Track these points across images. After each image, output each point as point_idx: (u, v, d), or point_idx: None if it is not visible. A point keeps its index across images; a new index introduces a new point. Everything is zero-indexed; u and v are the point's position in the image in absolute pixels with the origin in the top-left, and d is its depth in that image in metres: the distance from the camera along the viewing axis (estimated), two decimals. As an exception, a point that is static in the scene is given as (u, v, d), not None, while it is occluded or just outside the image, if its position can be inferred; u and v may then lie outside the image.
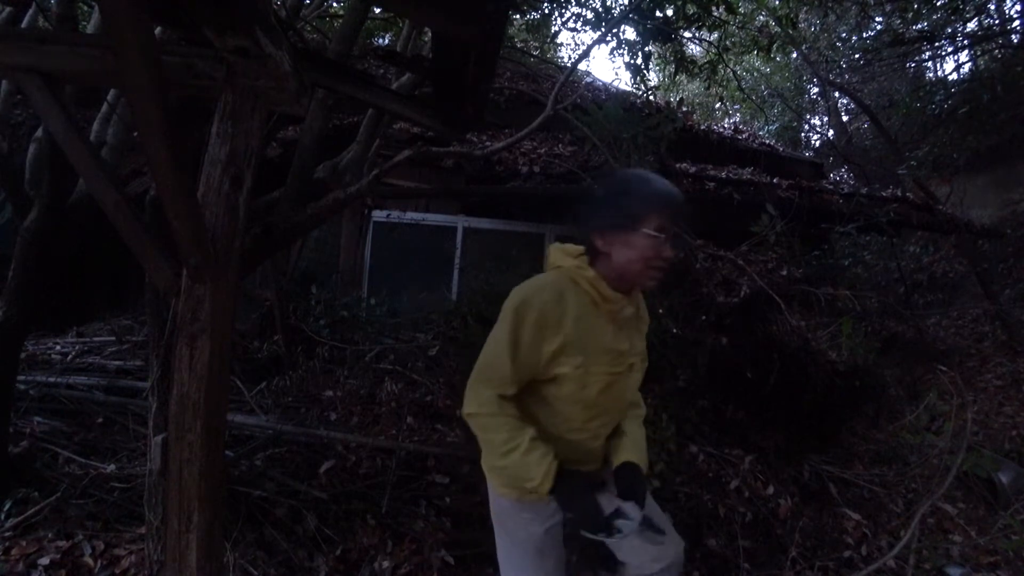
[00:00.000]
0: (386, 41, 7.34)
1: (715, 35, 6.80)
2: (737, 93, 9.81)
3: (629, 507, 1.38)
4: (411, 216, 5.72)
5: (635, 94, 7.37)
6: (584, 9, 5.81)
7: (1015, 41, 8.89)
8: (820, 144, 13.86)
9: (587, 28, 6.11)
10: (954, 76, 10.43)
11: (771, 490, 3.17)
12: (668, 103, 7.95)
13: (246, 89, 1.48)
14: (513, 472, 1.37)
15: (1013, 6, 9.54)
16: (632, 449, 1.51)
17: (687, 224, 4.17)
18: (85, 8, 4.17)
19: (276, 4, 3.18)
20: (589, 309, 1.39)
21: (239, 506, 2.56)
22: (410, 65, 2.63)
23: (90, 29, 2.80)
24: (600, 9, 5.67)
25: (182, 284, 1.50)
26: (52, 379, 3.49)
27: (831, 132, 13.33)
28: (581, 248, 1.44)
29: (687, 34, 6.78)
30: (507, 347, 1.34)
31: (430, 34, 2.56)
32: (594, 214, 1.40)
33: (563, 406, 1.43)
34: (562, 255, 1.45)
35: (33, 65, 1.49)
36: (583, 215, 1.44)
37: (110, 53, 1.44)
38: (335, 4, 6.47)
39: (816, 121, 14.50)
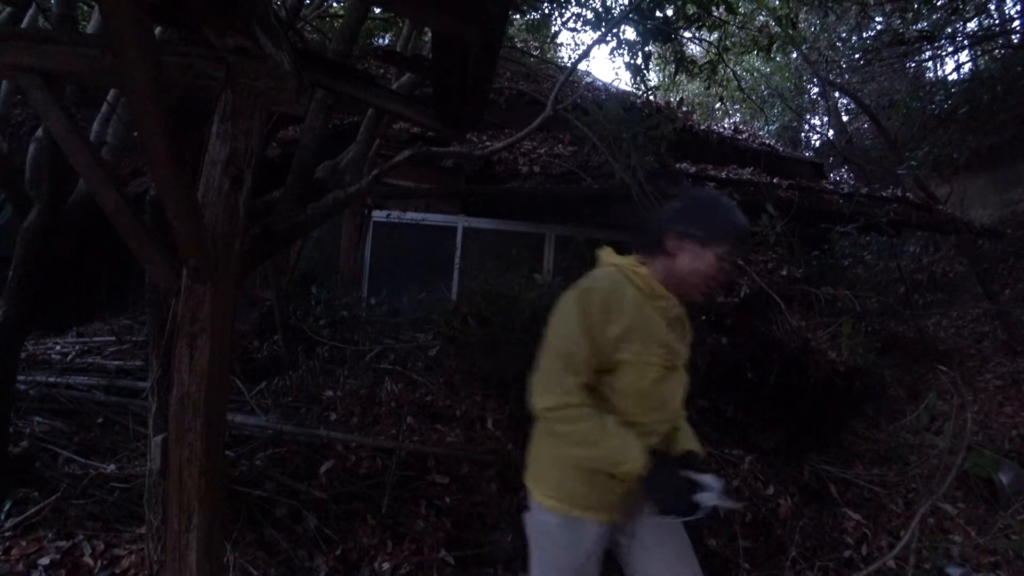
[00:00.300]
0: (386, 41, 7.34)
1: (715, 35, 6.80)
2: (737, 93, 9.81)
3: (708, 478, 1.41)
4: (411, 216, 5.72)
5: (635, 94, 7.37)
6: (584, 9, 5.81)
7: (1015, 41, 8.89)
8: (820, 144, 13.85)
9: (587, 28, 6.11)
10: (954, 76, 10.44)
11: (771, 490, 3.17)
12: (668, 103, 7.95)
13: (246, 89, 1.48)
14: (607, 458, 1.36)
15: (1013, 6, 9.55)
16: (690, 440, 1.61)
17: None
18: (85, 8, 4.17)
19: (276, 4, 3.18)
20: (643, 302, 1.46)
21: (239, 506, 2.56)
22: (410, 65, 2.63)
23: (90, 29, 2.79)
24: (600, 9, 5.68)
25: (182, 284, 1.50)
26: (52, 379, 3.49)
27: (831, 132, 13.32)
28: (631, 257, 1.53)
29: (687, 34, 6.78)
30: (580, 331, 1.37)
31: (430, 34, 2.56)
32: (678, 218, 1.49)
33: (621, 399, 1.44)
34: (614, 255, 1.55)
35: (33, 65, 1.49)
36: (663, 213, 1.54)
37: (110, 53, 1.44)
38: (335, 4, 6.47)
39: (816, 121, 14.49)
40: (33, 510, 2.37)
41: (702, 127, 8.13)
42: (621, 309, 1.40)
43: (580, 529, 1.47)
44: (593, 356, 1.39)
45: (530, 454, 1.59)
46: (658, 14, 4.96)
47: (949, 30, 8.61)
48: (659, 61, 7.74)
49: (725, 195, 1.57)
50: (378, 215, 5.61)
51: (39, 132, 2.61)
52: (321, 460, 3.03)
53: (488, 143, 5.56)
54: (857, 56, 10.34)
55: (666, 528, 1.53)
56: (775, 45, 6.67)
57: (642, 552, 1.53)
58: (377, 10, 4.71)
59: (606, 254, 1.57)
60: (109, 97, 2.72)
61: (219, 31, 1.40)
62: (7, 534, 2.26)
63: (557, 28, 6.96)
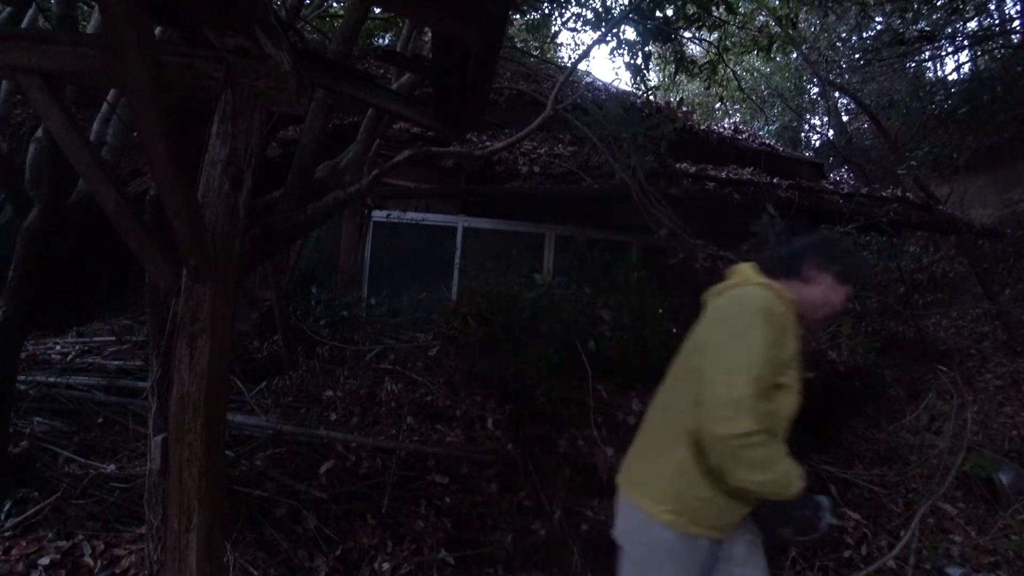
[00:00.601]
0: (386, 41, 7.34)
1: (715, 35, 6.80)
2: (737, 93, 9.82)
3: (822, 499, 1.44)
4: (411, 216, 5.71)
5: (635, 94, 7.37)
6: (584, 9, 5.82)
7: (1015, 41, 8.88)
8: (820, 144, 13.83)
9: (587, 28, 6.12)
10: (954, 76, 10.43)
11: (771, 490, 3.16)
12: (668, 103, 7.95)
13: (246, 89, 1.48)
14: (778, 482, 1.35)
15: (1013, 6, 9.53)
16: None
17: (687, 224, 4.17)
18: (85, 8, 4.17)
19: (276, 4, 3.18)
20: (791, 327, 1.48)
21: (239, 506, 2.56)
22: (410, 65, 2.63)
23: (90, 29, 2.79)
24: (600, 9, 5.68)
25: (182, 284, 1.50)
26: (52, 379, 3.49)
27: (831, 132, 13.31)
28: (777, 282, 1.54)
29: (687, 34, 6.79)
30: (767, 354, 1.36)
31: (430, 34, 2.56)
32: (822, 250, 1.58)
33: (775, 422, 1.43)
34: (758, 274, 1.56)
35: (33, 65, 1.49)
36: (806, 241, 1.63)
37: (110, 53, 1.44)
38: (335, 4, 6.47)
39: (816, 121, 14.48)
40: (33, 510, 2.37)
41: (702, 127, 8.13)
42: (788, 333, 1.44)
43: (695, 545, 1.46)
44: (769, 378, 1.39)
45: (641, 465, 1.57)
46: (658, 14, 4.97)
47: (949, 30, 8.60)
48: (659, 61, 7.74)
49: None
50: (378, 215, 5.61)
51: (39, 132, 2.61)
52: (321, 460, 3.03)
53: (488, 143, 5.56)
54: (857, 56, 10.33)
55: (754, 546, 1.56)
56: (775, 45, 6.68)
57: (734, 569, 1.55)
58: (377, 10, 4.72)
59: (751, 272, 1.56)
60: (109, 97, 2.72)
61: (219, 31, 1.40)
62: (7, 534, 2.26)
63: (557, 28, 6.97)
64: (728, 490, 1.41)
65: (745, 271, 1.57)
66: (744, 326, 1.39)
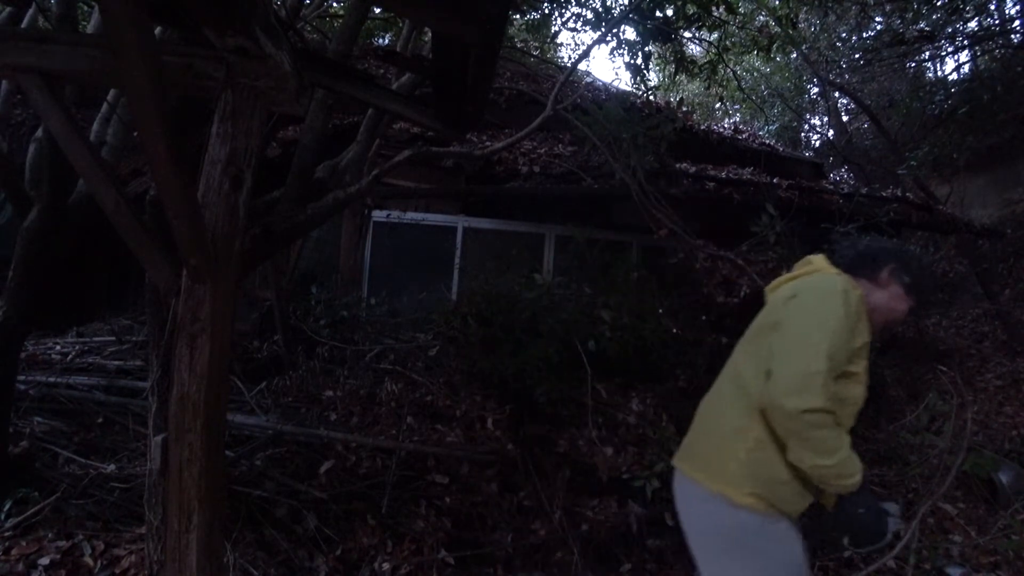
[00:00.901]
0: (386, 41, 7.35)
1: (715, 35, 6.81)
2: (737, 93, 9.82)
3: (890, 506, 1.41)
4: (411, 216, 5.71)
5: (635, 94, 7.37)
6: (584, 9, 5.82)
7: (1015, 41, 8.88)
8: (820, 144, 13.83)
9: (587, 28, 6.13)
10: (954, 76, 10.42)
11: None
12: (668, 103, 7.96)
13: (246, 89, 1.48)
14: (836, 468, 1.32)
15: (1013, 6, 9.52)
16: None
17: (687, 224, 4.17)
18: (85, 8, 4.17)
19: (276, 4, 3.18)
20: (863, 316, 1.49)
21: (239, 506, 2.56)
22: (410, 65, 2.63)
23: (90, 29, 2.80)
24: (600, 9, 5.69)
25: (182, 284, 1.50)
26: (52, 379, 3.49)
27: (831, 132, 13.30)
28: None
29: (687, 34, 6.79)
30: (845, 335, 1.36)
31: (430, 34, 2.56)
32: (901, 264, 1.59)
33: (842, 411, 1.41)
34: (830, 265, 1.59)
35: (33, 65, 1.49)
36: (885, 245, 1.66)
37: (110, 53, 1.44)
38: (335, 4, 6.48)
39: (816, 121, 14.48)
40: (33, 510, 2.37)
41: (702, 127, 8.12)
42: (863, 323, 1.44)
43: (786, 526, 1.44)
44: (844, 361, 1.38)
45: (709, 449, 1.52)
46: (658, 14, 4.97)
47: (949, 30, 8.60)
48: (659, 61, 7.75)
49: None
50: (378, 215, 5.61)
51: (39, 132, 2.61)
52: (321, 460, 3.03)
53: (488, 143, 5.56)
54: (857, 56, 10.32)
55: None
56: (775, 45, 6.68)
57: None
58: (377, 10, 4.72)
59: (824, 261, 1.59)
60: (109, 97, 2.72)
61: (219, 31, 1.40)
62: (7, 534, 2.26)
63: (557, 28, 6.98)
64: (797, 472, 1.39)
65: (819, 261, 1.60)
66: (822, 304, 1.40)
